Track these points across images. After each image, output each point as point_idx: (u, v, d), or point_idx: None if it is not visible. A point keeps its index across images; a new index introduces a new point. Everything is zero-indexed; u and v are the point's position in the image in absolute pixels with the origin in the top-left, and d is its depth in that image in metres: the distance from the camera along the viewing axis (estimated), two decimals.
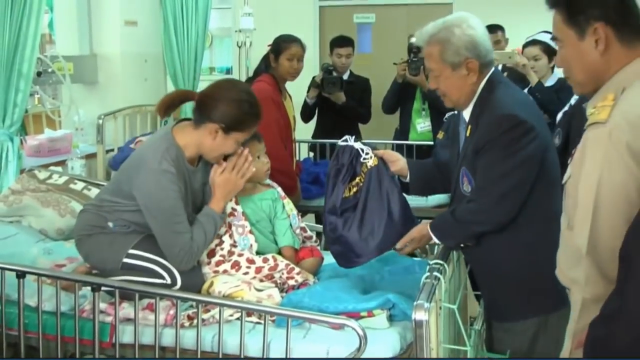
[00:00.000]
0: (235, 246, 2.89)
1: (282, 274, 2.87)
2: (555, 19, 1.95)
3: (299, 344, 2.50)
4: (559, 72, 4.37)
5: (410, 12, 8.02)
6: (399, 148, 5.58)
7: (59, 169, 4.48)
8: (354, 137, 2.86)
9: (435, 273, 2.39)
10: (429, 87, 4.99)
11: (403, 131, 5.65)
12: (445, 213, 2.73)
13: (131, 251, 2.81)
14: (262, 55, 4.64)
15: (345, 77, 5.66)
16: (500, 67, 5.94)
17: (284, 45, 4.41)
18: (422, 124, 5.49)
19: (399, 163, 2.88)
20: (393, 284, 2.86)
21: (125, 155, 4.36)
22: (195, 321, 2.59)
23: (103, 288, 2.67)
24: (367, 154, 2.81)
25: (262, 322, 2.50)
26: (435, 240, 2.70)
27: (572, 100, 3.68)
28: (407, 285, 2.77)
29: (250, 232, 2.96)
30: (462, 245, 2.71)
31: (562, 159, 2.45)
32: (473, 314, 3.12)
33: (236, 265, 2.86)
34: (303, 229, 3.23)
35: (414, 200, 3.36)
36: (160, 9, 6.00)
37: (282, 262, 2.88)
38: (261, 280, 2.85)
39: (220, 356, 2.54)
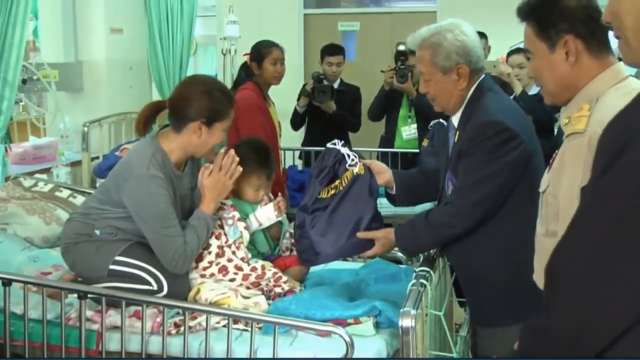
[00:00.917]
0: (223, 250, 2.88)
1: (269, 282, 2.88)
2: (526, 31, 2.02)
3: (285, 351, 2.50)
4: None
5: (395, 20, 8.06)
6: (384, 155, 5.61)
7: (44, 176, 4.47)
8: (342, 142, 2.88)
9: (421, 280, 2.40)
10: (417, 93, 5.06)
11: (388, 138, 5.67)
12: (415, 217, 2.75)
13: (118, 258, 2.81)
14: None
15: (335, 85, 5.67)
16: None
17: (265, 50, 4.52)
18: (408, 131, 5.52)
19: (385, 175, 2.90)
20: (379, 291, 2.87)
21: (110, 162, 4.37)
22: (182, 328, 2.59)
23: (90, 295, 2.67)
24: (352, 160, 2.82)
25: (249, 329, 2.50)
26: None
27: None
28: (393, 292, 2.79)
29: (239, 219, 2.94)
30: (424, 252, 2.73)
31: None
32: (458, 321, 3.14)
33: (224, 270, 2.85)
34: (291, 235, 3.24)
35: (401, 208, 3.37)
36: (145, 16, 6.01)
37: (269, 271, 2.88)
38: (248, 288, 2.85)
39: None
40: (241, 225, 2.94)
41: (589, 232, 1.30)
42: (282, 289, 2.89)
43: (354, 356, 2.36)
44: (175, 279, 2.81)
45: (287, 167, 5.54)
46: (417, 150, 5.18)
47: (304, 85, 5.58)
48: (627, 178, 1.24)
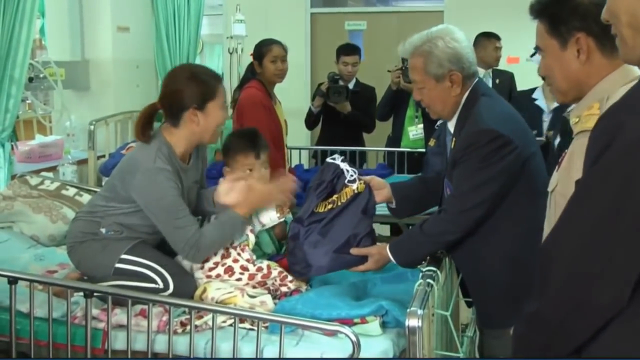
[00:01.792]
0: (228, 251, 2.88)
1: (275, 281, 2.87)
2: (538, 28, 2.00)
3: (292, 350, 2.49)
4: None
5: (401, 19, 8.06)
6: (390, 155, 5.60)
7: (50, 174, 4.48)
8: (342, 157, 2.88)
9: (428, 280, 2.40)
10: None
11: (395, 138, 5.66)
12: (410, 230, 2.77)
13: (124, 256, 2.81)
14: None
15: (351, 85, 5.65)
16: (490, 72, 6.00)
17: (264, 49, 4.54)
18: (414, 131, 5.51)
19: (384, 192, 2.91)
20: (386, 291, 2.86)
21: (116, 161, 4.35)
22: (188, 327, 2.58)
23: (95, 294, 2.67)
24: (352, 176, 2.82)
25: (255, 328, 2.50)
26: (392, 260, 2.71)
27: None
28: (399, 292, 2.78)
29: None
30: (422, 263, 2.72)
31: None
32: (465, 321, 3.13)
33: (230, 271, 2.85)
34: None
35: None
36: (152, 15, 6.01)
37: (275, 270, 2.88)
38: (254, 287, 2.85)
39: None
40: (247, 227, 2.94)
41: (578, 222, 1.37)
42: (289, 288, 2.89)
43: (361, 356, 2.35)
44: (182, 278, 2.81)
45: (293, 166, 5.52)
46: (424, 150, 5.16)
47: (319, 85, 5.56)
48: (614, 170, 1.30)
